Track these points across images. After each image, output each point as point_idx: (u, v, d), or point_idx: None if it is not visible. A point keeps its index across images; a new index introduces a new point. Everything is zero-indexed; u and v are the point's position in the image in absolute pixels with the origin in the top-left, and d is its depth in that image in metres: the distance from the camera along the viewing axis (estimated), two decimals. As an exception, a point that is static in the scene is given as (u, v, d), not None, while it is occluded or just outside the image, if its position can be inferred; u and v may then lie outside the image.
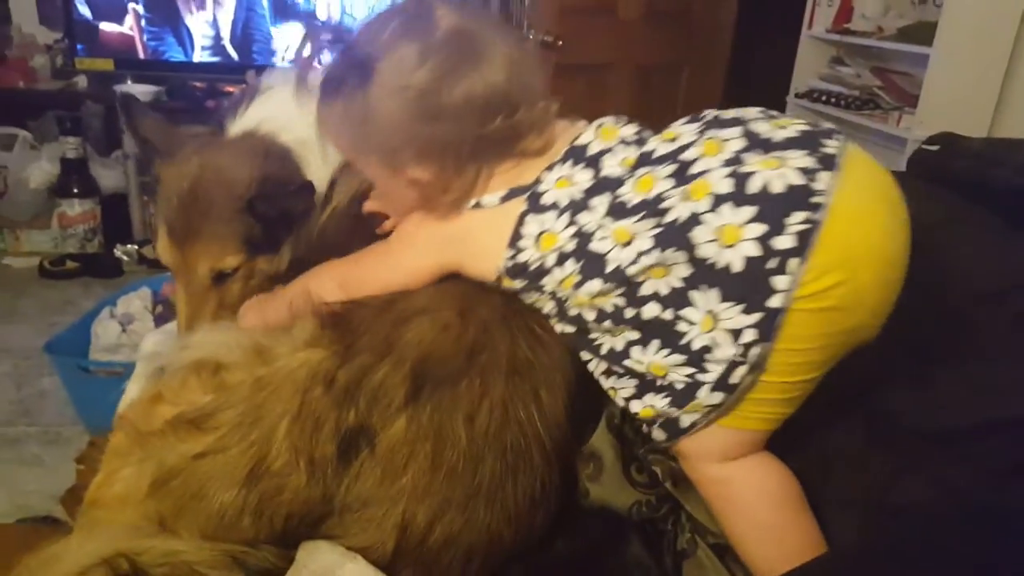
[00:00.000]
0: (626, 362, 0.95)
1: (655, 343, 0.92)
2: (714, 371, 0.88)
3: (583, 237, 0.93)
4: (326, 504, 0.92)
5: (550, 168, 0.98)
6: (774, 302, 0.83)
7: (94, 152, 3.38)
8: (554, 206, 0.95)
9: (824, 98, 3.18)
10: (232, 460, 0.92)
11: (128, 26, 3.29)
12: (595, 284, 0.92)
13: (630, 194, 0.92)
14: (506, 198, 0.98)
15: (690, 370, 0.90)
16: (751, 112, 0.94)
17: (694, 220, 0.85)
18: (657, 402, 0.93)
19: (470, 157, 0.97)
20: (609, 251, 0.91)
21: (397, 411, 0.93)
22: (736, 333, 0.85)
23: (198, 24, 3.34)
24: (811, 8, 3.27)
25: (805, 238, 0.82)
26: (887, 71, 3.08)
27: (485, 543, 0.95)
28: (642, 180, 0.91)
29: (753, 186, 0.84)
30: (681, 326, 0.89)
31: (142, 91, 3.25)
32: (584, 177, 0.95)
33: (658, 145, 0.95)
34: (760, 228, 0.83)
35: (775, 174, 0.84)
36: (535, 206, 0.96)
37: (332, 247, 1.15)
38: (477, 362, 0.97)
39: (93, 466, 1.15)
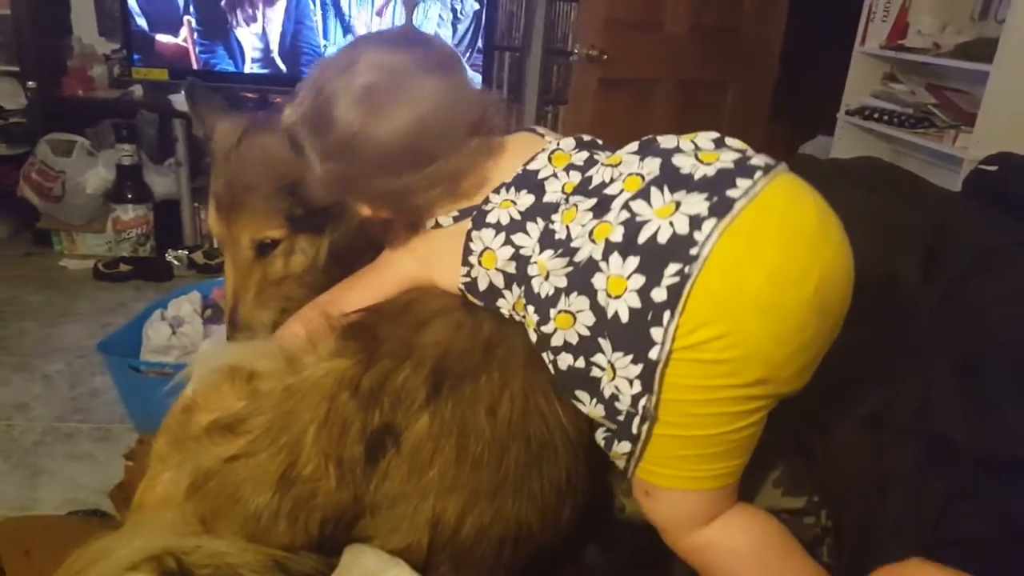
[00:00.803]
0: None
1: (583, 394, 0.94)
2: (620, 420, 0.89)
3: (521, 260, 0.96)
4: (357, 504, 0.94)
5: (498, 190, 1.02)
6: (652, 353, 0.83)
7: (148, 159, 3.45)
8: (495, 225, 0.99)
9: (876, 115, 3.12)
10: (263, 464, 0.94)
11: (182, 38, 3.37)
12: (530, 310, 0.95)
13: (558, 224, 0.94)
14: (458, 218, 1.03)
15: (608, 420, 0.91)
16: (687, 142, 0.93)
17: (594, 265, 0.87)
18: (602, 443, 0.96)
19: (405, 199, 1.02)
20: (535, 278, 0.94)
21: (420, 409, 0.95)
22: (629, 383, 0.86)
23: (248, 37, 3.41)
24: (864, 24, 3.21)
25: (676, 291, 0.81)
26: (943, 88, 3.01)
27: (514, 533, 0.96)
28: (568, 212, 0.94)
29: (643, 235, 0.84)
30: (595, 372, 0.90)
31: (195, 100, 3.32)
32: (526, 201, 0.99)
33: (597, 172, 0.96)
34: (640, 280, 0.83)
35: (664, 223, 0.83)
36: (479, 223, 1.00)
37: (369, 245, 1.18)
38: (495, 356, 1.00)
39: (141, 463, 1.18)
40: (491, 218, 1.00)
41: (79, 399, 2.25)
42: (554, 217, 0.95)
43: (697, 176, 0.86)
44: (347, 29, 3.41)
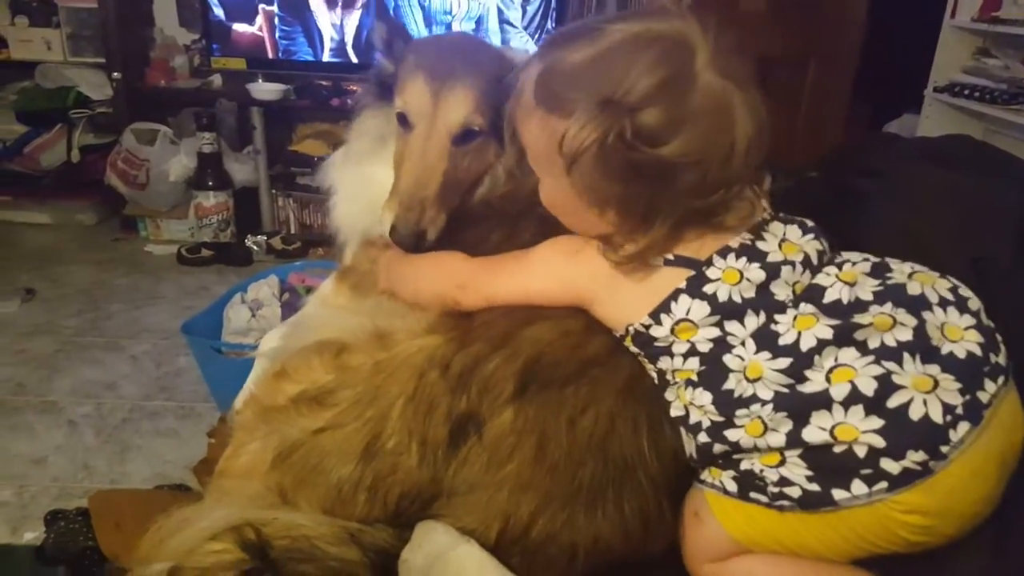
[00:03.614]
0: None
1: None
2: (755, 483, 0.90)
3: (721, 346, 0.90)
4: (435, 486, 0.94)
5: (724, 254, 0.91)
6: (839, 496, 0.83)
7: (228, 147, 3.54)
8: (712, 299, 0.89)
9: (967, 92, 2.98)
10: (349, 436, 0.96)
11: (258, 27, 3.44)
12: (703, 396, 0.90)
13: (785, 328, 0.88)
14: (672, 263, 0.92)
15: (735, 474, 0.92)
16: (933, 294, 0.88)
17: (824, 403, 0.83)
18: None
19: (669, 219, 0.89)
20: (733, 373, 0.89)
21: (505, 403, 0.94)
22: (800, 487, 0.87)
23: (326, 27, 3.45)
24: (955, -4, 3.07)
25: (911, 476, 0.80)
26: (1039, 62, 2.86)
27: (589, 547, 0.95)
28: (801, 319, 0.87)
29: (893, 401, 0.81)
30: (754, 465, 0.89)
31: (271, 89, 3.40)
32: (754, 277, 0.90)
33: (832, 285, 0.90)
34: (879, 442, 0.80)
35: (920, 398, 0.80)
36: (694, 290, 0.90)
37: (498, 214, 1.13)
38: (590, 373, 0.97)
39: (223, 440, 1.21)
40: (709, 289, 0.89)
41: (164, 379, 2.34)
42: (779, 318, 0.88)
43: (944, 351, 0.83)
44: (429, 20, 3.43)
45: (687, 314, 0.90)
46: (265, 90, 3.40)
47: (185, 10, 3.69)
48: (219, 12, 3.38)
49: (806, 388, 0.84)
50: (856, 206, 1.21)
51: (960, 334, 0.85)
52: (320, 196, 3.71)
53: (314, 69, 3.54)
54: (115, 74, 3.45)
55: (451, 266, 1.06)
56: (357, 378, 0.99)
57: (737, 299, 0.89)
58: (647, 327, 0.93)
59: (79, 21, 3.50)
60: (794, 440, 0.84)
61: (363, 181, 1.27)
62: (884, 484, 0.81)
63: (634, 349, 0.97)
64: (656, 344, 0.94)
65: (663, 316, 0.91)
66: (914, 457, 0.80)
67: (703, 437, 0.91)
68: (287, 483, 0.98)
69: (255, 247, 3.42)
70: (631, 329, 0.95)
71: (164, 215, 3.49)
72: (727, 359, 0.89)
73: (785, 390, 0.85)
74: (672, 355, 0.93)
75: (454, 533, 0.92)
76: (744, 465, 0.89)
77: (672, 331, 0.91)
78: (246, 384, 1.39)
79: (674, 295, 0.91)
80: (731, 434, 0.89)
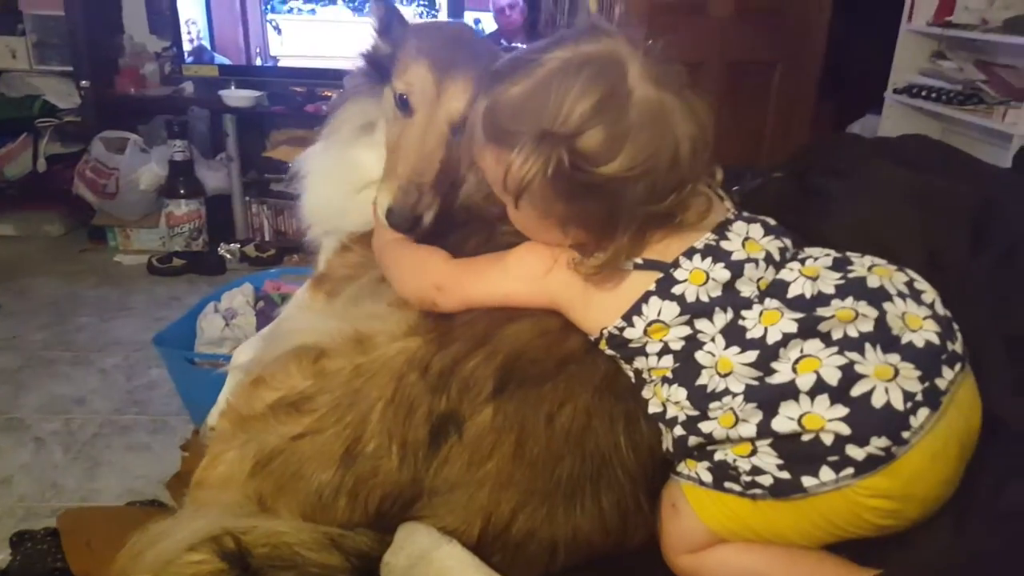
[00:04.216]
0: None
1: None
2: (731, 475, 0.92)
3: (692, 343, 0.93)
4: (416, 486, 0.95)
5: (690, 255, 0.94)
6: (808, 483, 0.86)
7: (199, 155, 3.52)
8: (680, 299, 0.92)
9: (924, 93, 3.06)
10: (328, 441, 0.96)
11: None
12: (679, 392, 0.93)
13: (752, 324, 0.91)
14: (641, 267, 0.95)
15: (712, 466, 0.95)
16: (891, 286, 0.91)
17: (792, 394, 0.86)
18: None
19: (630, 227, 0.92)
20: (705, 369, 0.92)
21: (485, 401, 0.96)
22: (771, 476, 0.89)
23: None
24: (911, 1, 3.14)
25: (875, 461, 0.83)
26: (991, 64, 2.94)
27: (569, 542, 0.96)
28: (767, 315, 0.91)
29: (857, 390, 0.84)
30: (728, 455, 0.91)
31: (244, 96, 3.38)
32: (719, 277, 0.93)
33: (795, 280, 0.93)
34: (844, 430, 0.83)
35: (882, 386, 0.83)
36: (664, 291, 0.93)
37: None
38: (566, 371, 0.99)
39: (197, 453, 1.20)
40: (678, 290, 0.93)
41: (135, 392, 2.31)
42: (746, 314, 0.91)
43: (904, 341, 0.86)
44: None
45: (658, 315, 0.93)
46: (238, 97, 3.39)
47: (155, 17, 3.66)
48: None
49: (774, 379, 0.87)
50: (820, 204, 1.24)
51: (920, 323, 0.88)
52: (295, 202, 3.70)
53: (288, 75, 3.53)
54: (83, 82, 3.42)
55: (431, 266, 1.08)
56: (336, 383, 0.99)
57: (705, 298, 0.92)
58: (620, 329, 0.96)
59: (46, 29, 3.47)
60: (764, 430, 0.87)
61: (345, 163, 1.27)
62: (850, 470, 0.84)
63: (610, 352, 1.00)
64: (630, 345, 0.96)
65: (635, 318, 0.94)
66: (878, 443, 0.83)
67: (679, 430, 0.94)
68: (266, 491, 0.98)
69: (228, 255, 3.40)
70: (605, 332, 0.97)
71: (134, 224, 3.46)
72: (699, 356, 0.92)
73: (755, 382, 0.88)
74: (647, 355, 0.96)
75: (436, 534, 0.92)
76: (718, 456, 0.92)
77: (645, 332, 0.94)
78: (220, 397, 1.38)
79: (644, 297, 0.94)
80: (705, 426, 0.91)
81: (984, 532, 0.87)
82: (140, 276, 3.23)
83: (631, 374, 1.00)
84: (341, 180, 1.28)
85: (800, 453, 0.86)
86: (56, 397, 2.25)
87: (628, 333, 0.95)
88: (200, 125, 3.60)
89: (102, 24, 3.54)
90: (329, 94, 3.48)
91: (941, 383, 0.85)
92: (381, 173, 1.19)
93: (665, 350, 0.94)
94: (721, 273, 0.93)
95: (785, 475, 0.87)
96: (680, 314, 0.92)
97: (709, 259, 0.94)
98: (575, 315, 1.00)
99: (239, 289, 2.33)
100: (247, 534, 0.91)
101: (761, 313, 0.91)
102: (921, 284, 0.93)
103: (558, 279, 0.98)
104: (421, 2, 3.44)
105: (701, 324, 0.92)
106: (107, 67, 3.56)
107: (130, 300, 2.99)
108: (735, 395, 0.89)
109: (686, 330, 0.93)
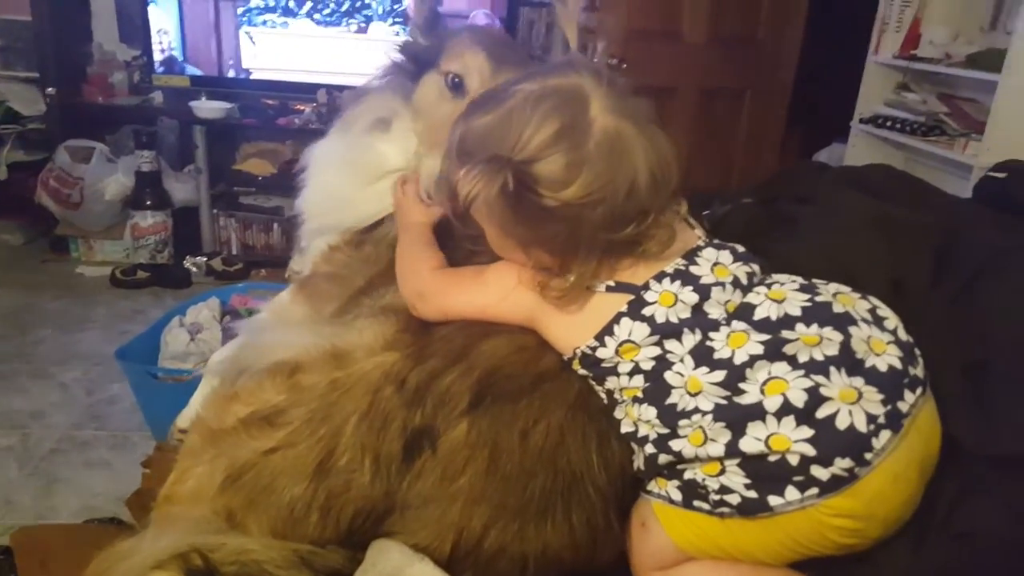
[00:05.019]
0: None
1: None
2: (700, 493, 0.93)
3: (662, 363, 0.95)
4: (388, 501, 0.95)
5: (660, 278, 0.97)
6: (774, 502, 0.87)
7: (167, 166, 3.48)
8: (651, 320, 0.95)
9: (889, 124, 3.13)
10: (301, 455, 0.95)
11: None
12: (649, 411, 0.95)
13: (720, 345, 0.93)
14: (612, 289, 0.98)
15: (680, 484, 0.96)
16: (855, 312, 0.94)
17: (759, 414, 0.88)
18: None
19: (592, 253, 0.95)
20: (675, 388, 0.94)
21: (460, 416, 0.96)
22: (740, 495, 0.90)
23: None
24: (878, 34, 3.23)
25: (839, 482, 0.85)
26: (954, 97, 3.02)
27: (539, 558, 0.96)
28: (734, 337, 0.93)
29: (822, 412, 0.86)
30: (697, 474, 0.92)
31: (215, 108, 3.36)
32: (688, 299, 0.95)
33: (761, 303, 0.96)
34: (810, 451, 0.85)
35: (846, 409, 0.86)
36: (635, 312, 0.96)
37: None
38: (542, 388, 0.99)
39: (159, 470, 1.18)
40: (648, 311, 0.95)
41: (96, 407, 2.28)
42: (714, 335, 0.93)
43: (868, 365, 0.89)
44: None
45: (629, 335, 0.95)
46: (209, 108, 3.37)
47: (126, 25, 3.63)
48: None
49: (743, 400, 0.89)
50: (787, 230, 1.27)
51: (884, 347, 0.91)
52: (264, 216, 3.69)
53: (260, 87, 3.52)
54: (49, 89, 3.38)
55: (417, 272, 1.09)
56: (310, 396, 0.99)
57: (674, 319, 0.95)
58: (593, 349, 0.97)
59: (11, 33, 3.43)
60: (732, 450, 0.88)
61: (360, 153, 1.27)
62: (815, 490, 0.86)
63: (582, 371, 1.01)
64: (603, 365, 0.98)
65: (607, 338, 0.96)
66: (841, 464, 0.85)
67: (650, 448, 0.95)
68: (237, 506, 0.97)
69: (194, 268, 3.37)
70: (578, 352, 0.99)
71: (98, 235, 3.42)
72: (668, 376, 0.94)
73: (724, 401, 0.90)
74: (618, 374, 0.97)
75: (408, 551, 0.92)
76: (687, 475, 0.93)
77: (617, 352, 0.96)
78: (191, 401, 1.36)
79: (616, 318, 0.96)
80: (675, 444, 0.93)
81: (943, 550, 0.90)
82: (103, 288, 3.18)
83: (603, 395, 1.02)
84: (353, 169, 1.28)
85: (766, 473, 0.88)
86: (12, 411, 2.21)
87: (600, 353, 0.97)
88: (169, 136, 3.57)
89: (70, 31, 3.50)
90: (302, 107, 3.47)
91: (903, 406, 0.87)
92: (398, 165, 1.22)
93: (636, 370, 0.96)
94: (690, 296, 0.96)
95: (752, 494, 0.88)
96: (650, 334, 0.94)
97: (678, 282, 0.97)
98: (549, 334, 1.02)
99: (205, 303, 2.32)
100: (215, 551, 0.89)
101: (728, 335, 0.93)
102: (884, 311, 0.96)
103: (532, 297, 1.00)
104: (397, 19, 3.47)
105: (671, 345, 0.94)
106: (75, 74, 3.52)
107: (92, 313, 2.95)
108: (704, 413, 0.90)
109: (656, 350, 0.95)
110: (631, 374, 0.96)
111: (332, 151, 1.32)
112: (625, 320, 0.96)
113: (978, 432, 0.95)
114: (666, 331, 0.94)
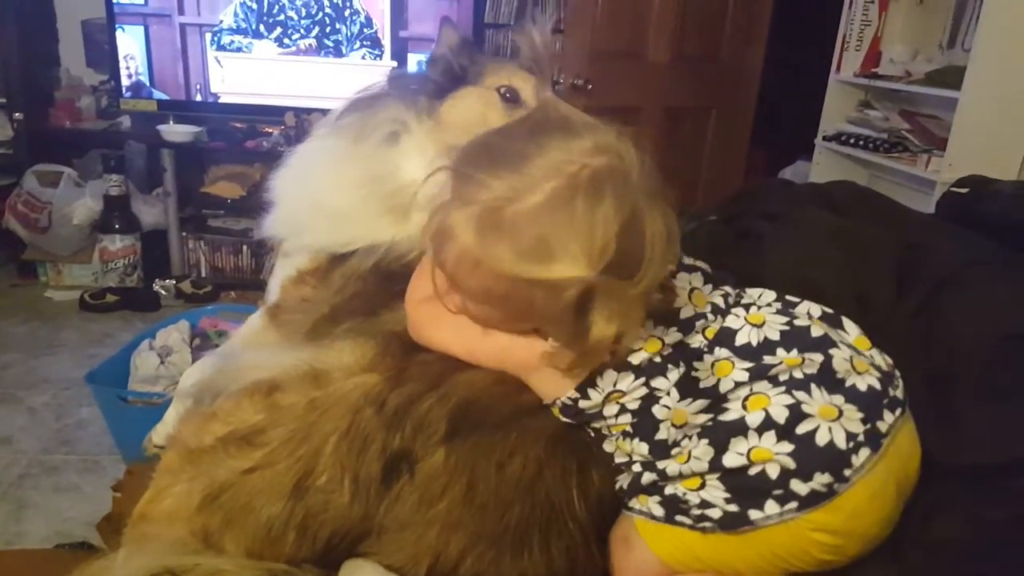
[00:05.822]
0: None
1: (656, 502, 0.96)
2: (681, 507, 0.93)
3: (649, 399, 0.95)
4: (366, 523, 0.94)
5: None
6: (754, 515, 0.88)
7: (136, 189, 3.47)
8: (636, 368, 0.94)
9: (852, 141, 3.19)
10: (280, 474, 0.95)
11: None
12: (641, 446, 0.96)
13: (705, 375, 0.94)
14: None
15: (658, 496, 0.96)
16: (840, 335, 0.96)
17: (740, 427, 0.89)
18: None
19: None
20: (662, 423, 0.95)
21: (438, 443, 0.96)
22: (720, 509, 0.91)
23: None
24: (839, 53, 3.30)
25: (818, 497, 0.87)
26: (915, 114, 3.09)
27: None
28: (720, 366, 0.94)
29: (802, 428, 0.87)
30: (679, 490, 0.93)
31: (182, 131, 3.35)
32: (672, 339, 0.95)
33: (741, 328, 0.96)
34: (790, 464, 0.87)
35: (826, 426, 0.87)
36: (620, 365, 0.94)
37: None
38: (520, 421, 0.99)
39: (130, 493, 1.17)
40: (634, 359, 0.94)
41: (65, 431, 2.25)
42: (698, 365, 0.94)
43: (848, 384, 0.90)
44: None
45: (615, 386, 0.95)
46: (176, 132, 3.36)
47: (93, 50, 3.62)
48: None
49: (725, 417, 0.91)
50: (752, 246, 1.29)
51: (866, 367, 0.92)
52: (233, 238, 3.66)
53: (228, 111, 3.52)
54: (16, 114, 3.36)
55: (410, 299, 1.07)
56: (289, 416, 0.98)
57: (658, 359, 0.95)
58: (575, 400, 0.97)
59: (-23, 59, 3.40)
60: (715, 466, 0.90)
61: (377, 167, 1.20)
62: (794, 504, 0.87)
63: (564, 419, 1.00)
64: (586, 412, 0.98)
65: (590, 390, 0.96)
66: (820, 479, 0.86)
67: (637, 468, 0.97)
68: (213, 525, 0.96)
69: (163, 291, 3.35)
70: (558, 402, 0.98)
71: (66, 259, 3.39)
72: (655, 410, 0.95)
73: (709, 423, 0.91)
74: (604, 417, 0.98)
75: (382, 571, 0.92)
76: (668, 490, 0.94)
77: (603, 401, 0.96)
78: (165, 417, 1.35)
79: (599, 370, 0.95)
80: (661, 464, 0.94)
81: (919, 564, 0.91)
82: (72, 312, 3.15)
83: (591, 431, 1.02)
84: (363, 184, 1.19)
85: (747, 487, 0.89)
86: (-20, 437, 2.17)
87: (582, 404, 0.97)
88: (137, 160, 3.55)
89: (38, 56, 3.49)
90: (271, 130, 3.47)
91: (882, 426, 0.89)
92: (413, 177, 1.12)
93: (623, 410, 0.96)
94: (674, 336, 0.96)
95: (733, 508, 0.89)
96: (635, 379, 0.95)
97: (662, 326, 0.96)
98: (530, 382, 1.00)
99: (175, 326, 2.31)
100: (189, 573, 0.89)
101: (713, 364, 0.94)
102: (861, 341, 0.98)
103: (519, 344, 0.97)
104: (364, 42, 3.48)
105: (656, 382, 0.95)
106: (42, 99, 3.50)
107: (60, 337, 2.92)
108: (691, 437, 0.92)
109: (643, 391, 0.95)
110: (618, 414, 0.97)
111: (333, 159, 1.23)
112: (609, 372, 0.94)
113: (943, 443, 0.97)
114: (651, 371, 0.95)
